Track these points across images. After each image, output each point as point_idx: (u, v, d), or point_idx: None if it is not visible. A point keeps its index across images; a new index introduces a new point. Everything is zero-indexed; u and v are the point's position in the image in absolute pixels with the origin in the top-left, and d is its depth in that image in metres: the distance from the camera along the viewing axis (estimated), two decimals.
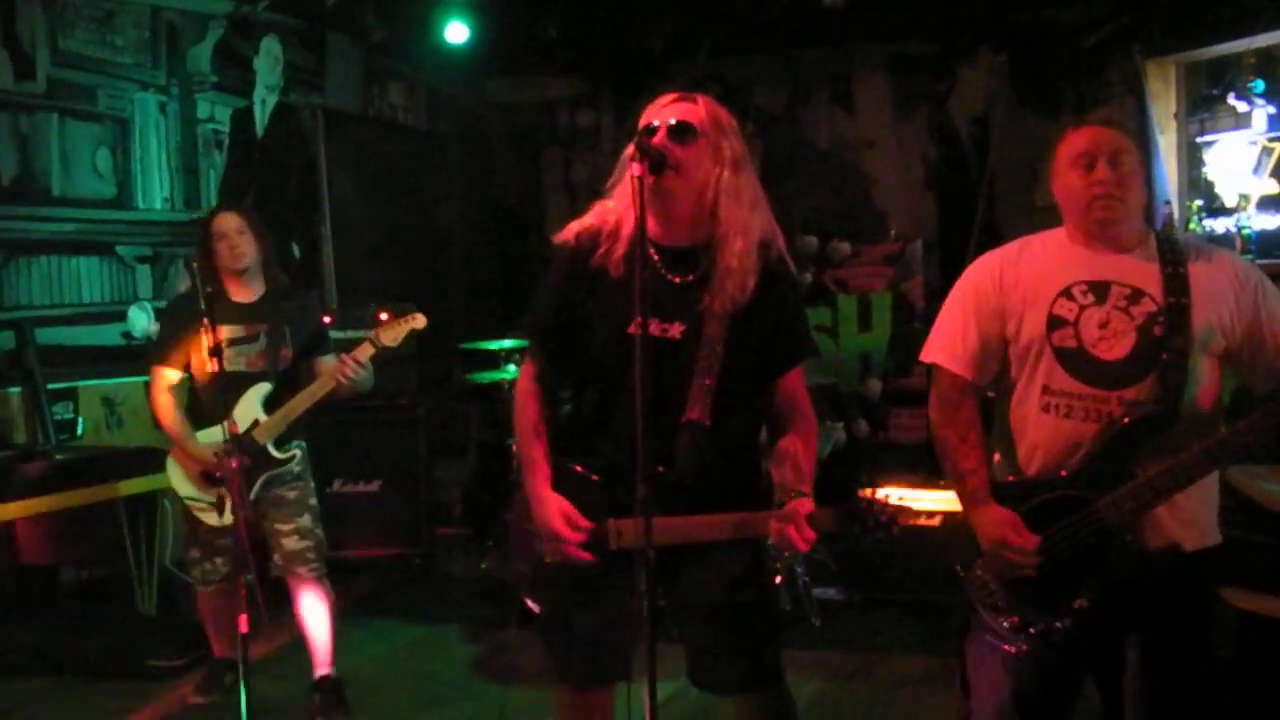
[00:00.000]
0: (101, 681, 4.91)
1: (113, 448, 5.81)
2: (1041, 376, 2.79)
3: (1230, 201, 5.74)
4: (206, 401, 4.39)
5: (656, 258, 2.72)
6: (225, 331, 4.26)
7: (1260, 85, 5.63)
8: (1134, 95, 6.39)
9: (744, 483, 2.85)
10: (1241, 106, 5.74)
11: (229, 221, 4.39)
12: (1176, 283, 2.69)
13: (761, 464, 2.94)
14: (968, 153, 7.97)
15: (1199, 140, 6.06)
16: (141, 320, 6.23)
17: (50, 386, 5.69)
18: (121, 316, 6.23)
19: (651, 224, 2.59)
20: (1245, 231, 5.48)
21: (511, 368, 6.18)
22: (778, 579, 5.49)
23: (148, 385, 4.55)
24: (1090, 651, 2.78)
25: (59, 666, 4.99)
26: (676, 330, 2.71)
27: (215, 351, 3.82)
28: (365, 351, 4.34)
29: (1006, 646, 2.76)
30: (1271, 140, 5.59)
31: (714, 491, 2.70)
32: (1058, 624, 2.69)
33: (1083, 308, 2.75)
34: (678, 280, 2.73)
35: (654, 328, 2.65)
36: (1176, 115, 6.24)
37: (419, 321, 4.48)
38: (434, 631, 5.67)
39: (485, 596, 5.93)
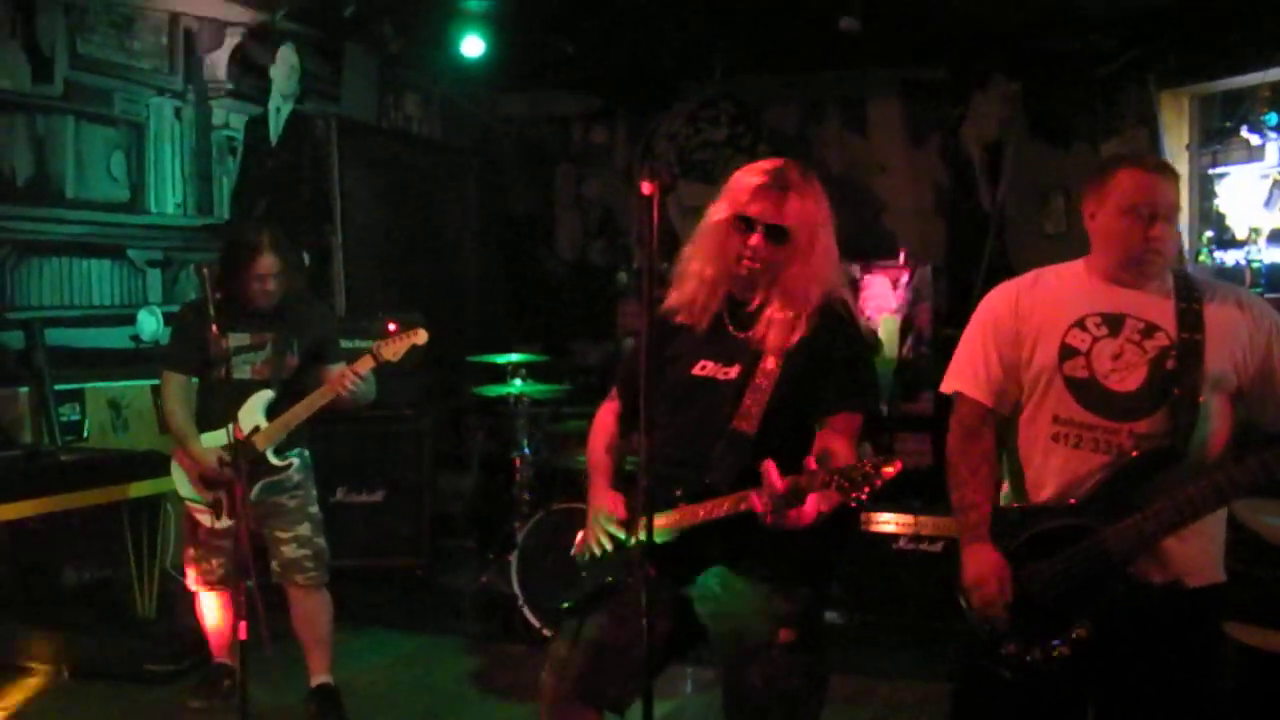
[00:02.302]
0: (99, 684, 4.91)
1: (118, 450, 5.82)
2: (1051, 405, 2.80)
3: (1241, 234, 5.74)
4: (210, 406, 4.41)
5: (725, 310, 2.92)
6: (233, 339, 4.29)
7: (1274, 118, 5.63)
8: (1147, 126, 6.40)
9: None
10: (1254, 139, 5.74)
11: (270, 265, 4.36)
12: (1191, 319, 2.71)
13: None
14: (979, 179, 7.97)
15: (1211, 172, 6.06)
16: (151, 324, 6.24)
17: (58, 388, 5.70)
18: (131, 320, 6.24)
19: (733, 281, 2.87)
20: (1255, 265, 5.47)
21: (517, 382, 6.18)
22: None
23: (156, 388, 4.58)
24: (1087, 685, 2.76)
25: (59, 668, 4.99)
26: (734, 373, 2.84)
27: (222, 359, 3.86)
28: (365, 364, 4.37)
29: (1004, 672, 2.76)
30: None
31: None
32: (1055, 653, 2.69)
33: (1096, 339, 2.76)
34: (741, 335, 2.87)
35: (715, 370, 2.87)
36: (1189, 147, 6.25)
37: (420, 337, 4.51)
38: (434, 643, 5.67)
39: (486, 609, 5.93)
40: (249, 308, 4.40)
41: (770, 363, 2.79)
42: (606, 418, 3.19)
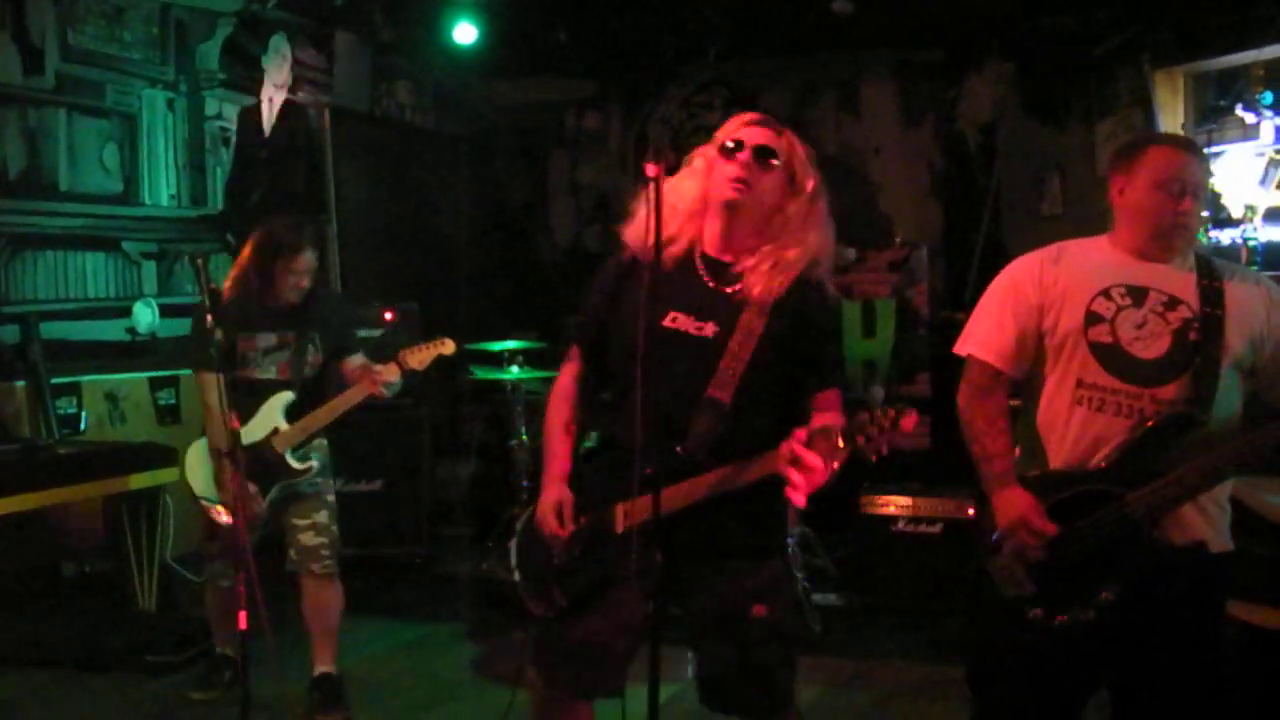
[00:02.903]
0: (100, 677, 4.91)
1: (115, 443, 5.82)
2: (1076, 370, 2.85)
3: (1237, 213, 5.72)
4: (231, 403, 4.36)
5: (702, 265, 2.80)
6: (260, 340, 4.32)
7: (1269, 97, 5.62)
8: (1142, 105, 6.39)
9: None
10: (1249, 118, 5.72)
11: (309, 262, 4.36)
12: (1213, 295, 2.79)
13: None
14: (974, 160, 7.96)
15: (1206, 151, 6.04)
16: (146, 316, 6.23)
17: (54, 381, 5.70)
18: (126, 312, 6.24)
19: (712, 236, 2.78)
20: (1251, 243, 5.46)
21: (515, 369, 6.18)
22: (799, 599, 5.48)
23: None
24: (1102, 654, 2.81)
25: (58, 661, 4.99)
26: (710, 329, 2.75)
27: (234, 355, 3.89)
28: (392, 373, 4.36)
29: (1028, 638, 2.79)
30: (1279, 152, 5.58)
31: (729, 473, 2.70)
32: (1083, 616, 2.73)
33: (1120, 308, 2.82)
34: (721, 289, 2.77)
35: (688, 324, 2.73)
36: (1184, 126, 6.23)
37: (448, 347, 4.52)
38: (435, 631, 5.68)
39: (486, 597, 5.94)
40: (275, 304, 4.37)
41: (751, 322, 2.71)
42: (567, 383, 2.99)
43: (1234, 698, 2.93)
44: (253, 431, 4.29)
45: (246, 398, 4.16)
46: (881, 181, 8.34)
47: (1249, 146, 5.75)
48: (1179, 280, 2.83)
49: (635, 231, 2.83)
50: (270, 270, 4.33)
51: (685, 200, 2.80)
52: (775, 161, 2.74)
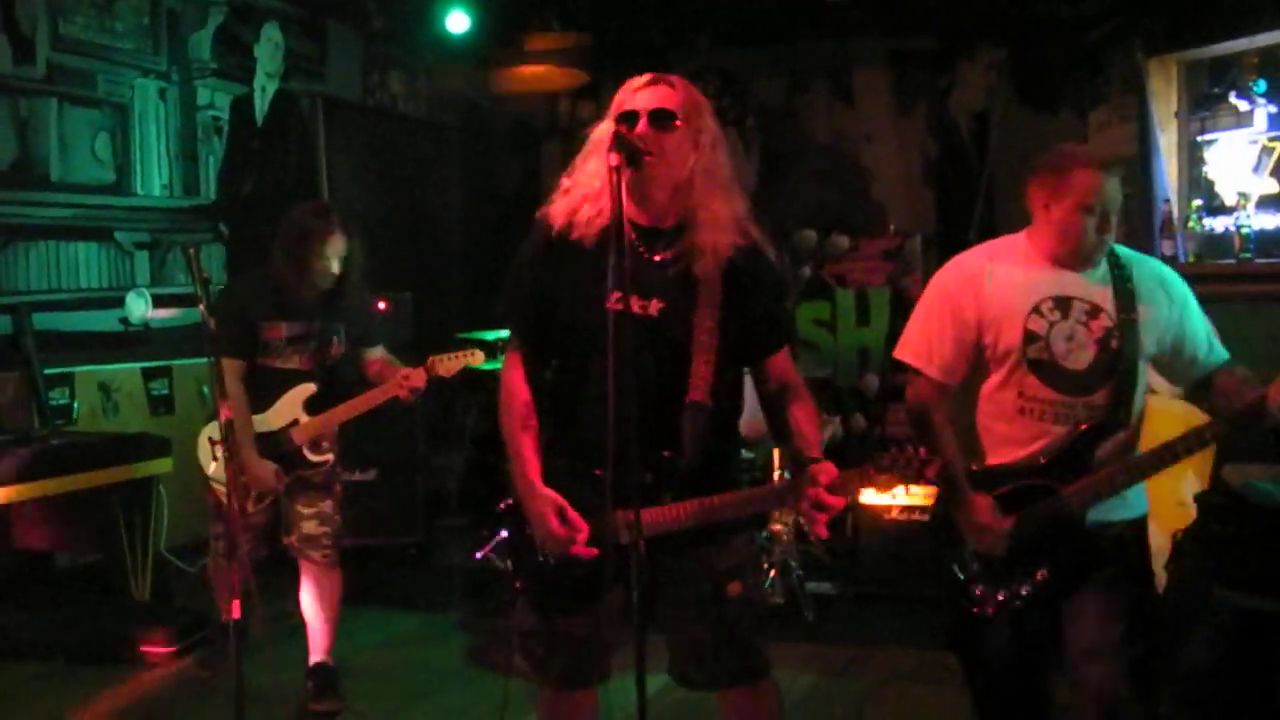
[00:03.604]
0: (95, 667, 4.91)
1: (108, 434, 5.82)
2: (1016, 383, 3.13)
3: (1230, 200, 5.73)
4: (251, 392, 4.33)
5: (633, 235, 2.68)
6: (288, 330, 4.29)
7: (1262, 84, 5.62)
8: (1135, 93, 6.38)
9: (735, 462, 2.96)
10: (1243, 105, 5.72)
11: (340, 246, 4.32)
12: (1126, 300, 3.09)
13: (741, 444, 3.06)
14: (967, 148, 7.96)
15: (1199, 139, 6.05)
16: (139, 306, 6.22)
17: (47, 372, 5.69)
18: (119, 303, 6.22)
19: (629, 205, 2.60)
20: (1244, 230, 5.47)
21: None
22: (771, 571, 5.51)
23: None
24: (1047, 612, 3.15)
25: (53, 652, 4.99)
26: (654, 308, 2.69)
27: (256, 343, 4.02)
28: (419, 379, 4.34)
29: (976, 610, 3.14)
30: (1272, 140, 5.57)
31: (714, 473, 2.71)
32: (1024, 591, 3.08)
33: (1051, 323, 3.11)
34: (654, 259, 2.70)
35: (633, 304, 2.58)
36: (1177, 113, 6.22)
37: (476, 358, 4.53)
38: (430, 621, 5.68)
39: (481, 586, 5.94)
40: (308, 293, 4.32)
41: (698, 308, 2.66)
42: (516, 379, 2.82)
43: (1218, 689, 3.40)
44: (272, 420, 4.29)
45: (267, 386, 4.16)
46: (874, 170, 8.33)
47: (1242, 134, 5.76)
48: (1098, 290, 3.12)
49: (558, 210, 2.77)
50: (302, 255, 4.26)
51: (596, 177, 2.69)
52: (676, 122, 2.67)
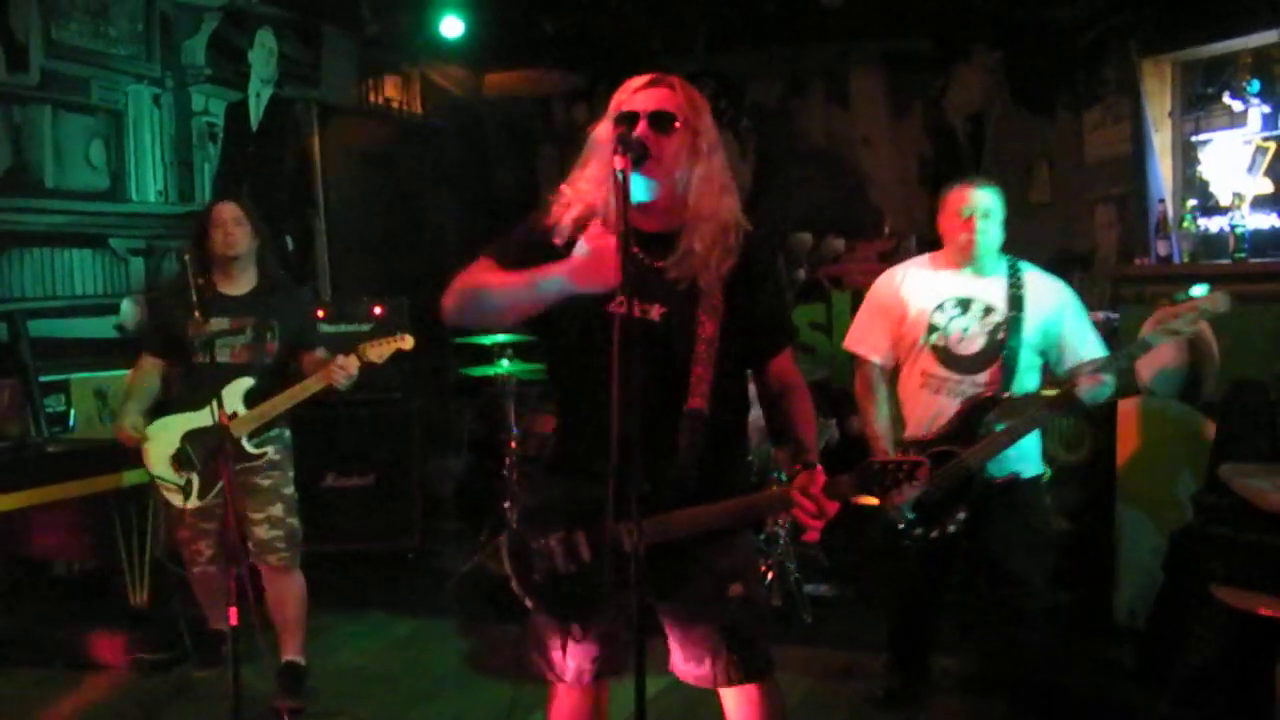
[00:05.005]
0: (92, 674, 4.91)
1: (105, 440, 5.78)
2: (921, 365, 4.13)
3: (1224, 200, 5.73)
4: (191, 389, 4.42)
5: (634, 240, 2.59)
6: (213, 324, 4.32)
7: (1256, 85, 5.62)
8: (1129, 93, 6.39)
9: (737, 470, 2.90)
10: (1237, 106, 5.72)
11: (226, 211, 4.49)
12: (1016, 301, 4.01)
13: (748, 450, 2.96)
14: (963, 150, 7.97)
15: (1194, 139, 6.05)
16: (133, 313, 6.21)
17: (43, 379, 5.67)
18: (114, 309, 6.21)
19: (631, 211, 2.51)
20: (1239, 231, 5.47)
21: (504, 362, 6.18)
22: (768, 573, 5.51)
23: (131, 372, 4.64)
24: (961, 545, 4.12)
25: (50, 659, 4.99)
26: (655, 313, 2.68)
27: (203, 342, 4.06)
28: (352, 364, 4.40)
29: (910, 545, 4.04)
30: (1266, 140, 5.58)
31: (714, 480, 2.70)
32: (946, 530, 3.97)
33: (951, 318, 4.07)
34: (654, 264, 2.69)
35: (634, 307, 2.55)
36: (1172, 114, 6.23)
37: (407, 343, 4.56)
38: (427, 626, 5.68)
39: (479, 590, 5.94)
40: (218, 278, 4.47)
41: (698, 313, 2.65)
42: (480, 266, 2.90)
43: (1216, 689, 3.82)
44: (208, 415, 4.31)
45: (204, 381, 4.19)
46: (870, 172, 8.34)
47: (1236, 134, 5.76)
48: (994, 291, 4.04)
49: (561, 216, 2.75)
50: (199, 235, 4.47)
51: (596, 182, 2.70)
52: (676, 124, 2.65)
